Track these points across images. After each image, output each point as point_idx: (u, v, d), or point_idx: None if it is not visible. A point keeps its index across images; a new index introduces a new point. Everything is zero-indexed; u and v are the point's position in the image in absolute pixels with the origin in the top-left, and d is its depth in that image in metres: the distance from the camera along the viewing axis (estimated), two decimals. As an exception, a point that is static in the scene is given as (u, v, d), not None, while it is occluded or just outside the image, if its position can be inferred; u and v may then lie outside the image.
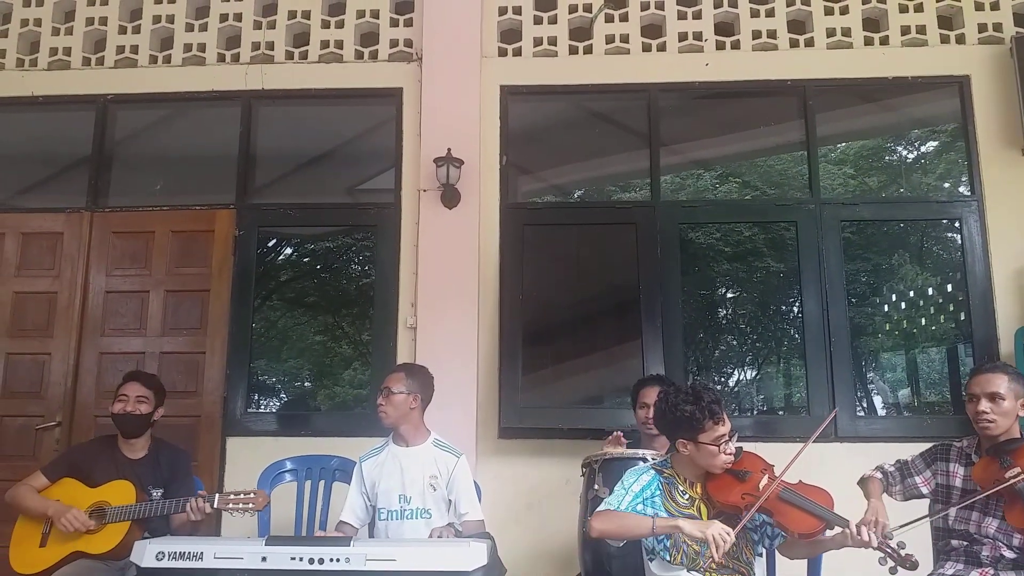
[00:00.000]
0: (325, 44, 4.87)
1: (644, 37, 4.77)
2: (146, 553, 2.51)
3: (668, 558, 2.58)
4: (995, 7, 4.64)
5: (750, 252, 7.72)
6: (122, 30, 4.97)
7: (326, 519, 3.73)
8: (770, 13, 4.74)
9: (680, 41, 4.74)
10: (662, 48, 4.75)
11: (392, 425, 3.31)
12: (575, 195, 5.66)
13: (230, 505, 3.14)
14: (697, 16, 4.76)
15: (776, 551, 2.82)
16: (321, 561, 2.45)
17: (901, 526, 2.70)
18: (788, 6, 4.74)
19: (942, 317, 6.69)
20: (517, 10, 4.83)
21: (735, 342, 9.03)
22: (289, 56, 4.88)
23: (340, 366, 9.67)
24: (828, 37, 4.69)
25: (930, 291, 6.84)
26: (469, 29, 4.73)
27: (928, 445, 3.07)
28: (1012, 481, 2.64)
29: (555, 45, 4.77)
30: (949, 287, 6.10)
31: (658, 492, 2.65)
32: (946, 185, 5.89)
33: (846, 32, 4.69)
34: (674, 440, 2.67)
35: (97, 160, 4.88)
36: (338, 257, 9.10)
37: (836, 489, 2.63)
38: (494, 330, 4.43)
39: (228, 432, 4.47)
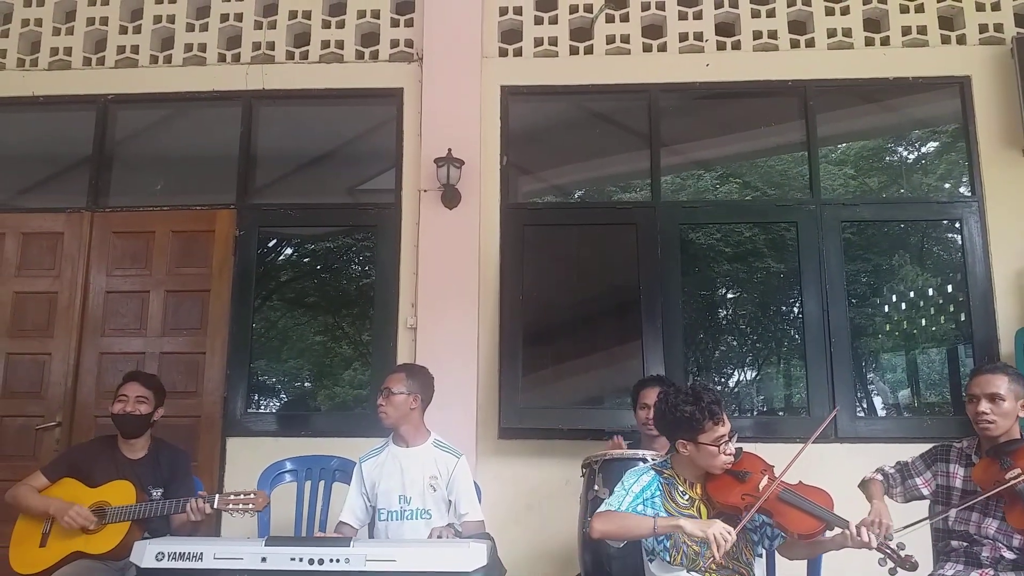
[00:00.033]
0: (326, 44, 4.87)
1: (645, 37, 4.77)
2: (146, 553, 2.51)
3: (668, 559, 2.58)
4: (996, 8, 4.64)
5: (750, 253, 7.72)
6: (123, 30, 4.97)
7: (326, 519, 3.73)
8: (771, 13, 4.74)
9: (681, 41, 4.73)
10: (663, 48, 4.75)
11: (392, 425, 3.31)
12: (575, 195, 5.66)
13: (230, 505, 3.13)
14: (698, 16, 4.76)
15: (776, 552, 2.82)
16: (321, 562, 2.45)
17: (904, 527, 2.70)
18: (789, 7, 4.73)
19: (942, 318, 6.69)
20: (518, 10, 4.83)
21: (735, 343, 9.03)
22: (290, 56, 4.88)
23: (340, 366, 9.67)
24: (829, 37, 4.69)
25: (930, 292, 6.84)
26: (470, 29, 4.73)
27: (928, 446, 3.07)
28: (1012, 482, 2.63)
29: (556, 45, 4.77)
30: (949, 288, 6.10)
31: (658, 493, 2.65)
32: (947, 186, 5.90)
33: (847, 32, 4.68)
34: (674, 441, 2.67)
35: (98, 160, 4.88)
36: (338, 257, 9.10)
37: (836, 490, 2.63)
38: (494, 330, 4.42)
39: (228, 432, 4.46)
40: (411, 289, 4.49)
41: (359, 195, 5.12)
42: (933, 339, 7.46)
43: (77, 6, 5.03)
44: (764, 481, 2.59)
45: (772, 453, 2.76)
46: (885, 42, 4.67)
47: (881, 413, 8.25)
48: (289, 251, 8.70)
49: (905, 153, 7.24)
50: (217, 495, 3.17)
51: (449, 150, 4.43)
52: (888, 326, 7.46)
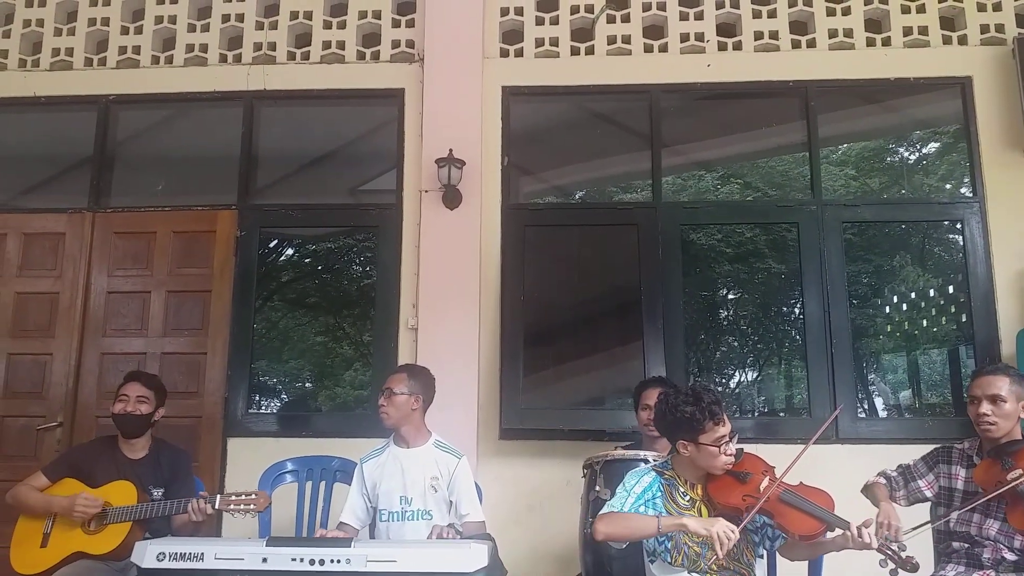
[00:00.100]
0: (327, 45, 4.87)
1: (646, 38, 4.77)
2: (147, 554, 2.51)
3: (669, 559, 2.58)
4: (997, 8, 4.64)
5: (751, 253, 7.71)
6: (124, 31, 4.98)
7: (327, 520, 3.72)
8: (772, 14, 4.74)
9: (682, 42, 4.73)
10: (664, 49, 4.75)
11: (393, 426, 3.31)
12: (576, 196, 5.66)
13: (231, 506, 3.14)
14: (699, 17, 4.76)
15: (777, 553, 2.82)
16: (322, 562, 2.45)
17: (912, 529, 2.71)
18: (790, 7, 4.73)
19: (943, 319, 6.68)
20: (519, 11, 4.83)
21: (736, 343, 9.02)
22: (291, 57, 4.88)
23: (341, 367, 9.66)
24: (830, 38, 4.69)
25: (931, 293, 6.83)
26: (471, 30, 4.73)
27: (929, 447, 3.08)
28: (1014, 483, 2.63)
29: (557, 46, 4.78)
30: (951, 289, 6.08)
31: (659, 493, 2.65)
32: (948, 186, 5.89)
33: (848, 33, 4.68)
34: (674, 441, 2.67)
35: (99, 160, 4.88)
36: (339, 258, 9.10)
37: (837, 491, 2.63)
38: (495, 331, 4.42)
39: (229, 433, 4.47)
40: (412, 290, 4.49)
41: (360, 196, 5.12)
42: (934, 340, 7.45)
43: (78, 7, 5.03)
44: (765, 482, 2.59)
45: (773, 454, 2.75)
46: (886, 42, 4.67)
47: (882, 414, 8.24)
48: (290, 251, 8.69)
49: (906, 154, 7.23)
50: (218, 495, 3.17)
51: (450, 150, 4.43)
52: (889, 327, 7.45)
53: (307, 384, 9.96)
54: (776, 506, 2.55)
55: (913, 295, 7.11)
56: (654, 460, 2.99)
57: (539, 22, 4.82)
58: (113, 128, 4.96)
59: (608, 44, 4.76)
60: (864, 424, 4.42)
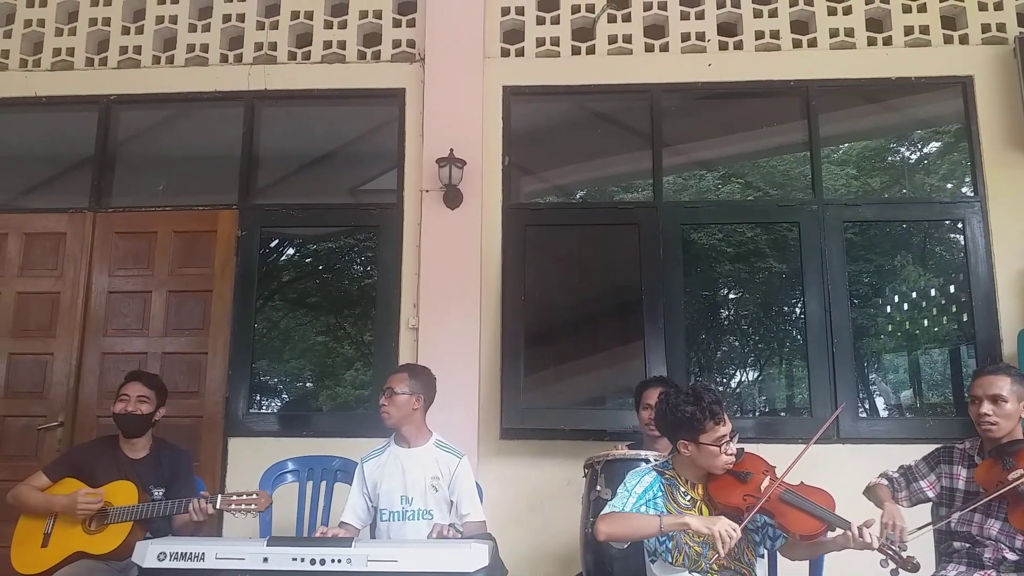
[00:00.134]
0: (328, 44, 4.87)
1: (647, 37, 4.77)
2: (148, 553, 2.51)
3: (670, 560, 2.58)
4: (998, 7, 4.64)
5: (752, 253, 7.71)
6: (125, 31, 4.98)
7: (327, 520, 3.72)
8: (773, 13, 4.73)
9: (683, 41, 4.73)
10: (665, 48, 4.74)
11: (394, 426, 3.31)
12: (577, 196, 5.65)
13: (232, 506, 3.14)
14: (700, 16, 4.76)
15: (777, 552, 2.82)
16: (323, 562, 2.45)
17: (917, 529, 2.71)
18: (791, 6, 4.73)
19: (945, 318, 6.68)
20: (519, 10, 4.83)
21: (737, 343, 9.02)
22: (292, 56, 4.88)
23: (342, 367, 9.67)
24: (831, 37, 4.69)
25: (933, 292, 6.83)
26: (471, 29, 4.73)
27: (931, 447, 3.08)
28: (1015, 483, 2.63)
29: (558, 45, 4.77)
30: (952, 288, 6.09)
31: (660, 493, 2.65)
32: (949, 186, 5.89)
33: (849, 32, 4.68)
34: (675, 441, 2.67)
35: (100, 160, 4.89)
36: (340, 258, 9.10)
37: (838, 491, 2.63)
38: (496, 331, 4.42)
39: (230, 432, 4.47)
40: (413, 289, 4.49)
41: (361, 195, 5.12)
42: (935, 340, 7.45)
43: (79, 7, 5.04)
44: (766, 482, 2.59)
45: (774, 454, 2.75)
46: (887, 42, 4.66)
47: (883, 414, 8.24)
48: (291, 251, 8.70)
49: (907, 153, 7.23)
50: (220, 495, 3.17)
51: (451, 150, 4.43)
52: (890, 327, 7.45)
53: (308, 384, 9.97)
54: (777, 506, 2.55)
55: (914, 295, 7.11)
56: (655, 460, 2.99)
57: (540, 22, 4.82)
58: (114, 128, 4.97)
59: (609, 44, 4.76)
60: (865, 424, 4.42)
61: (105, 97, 4.92)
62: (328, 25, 4.90)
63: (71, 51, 4.97)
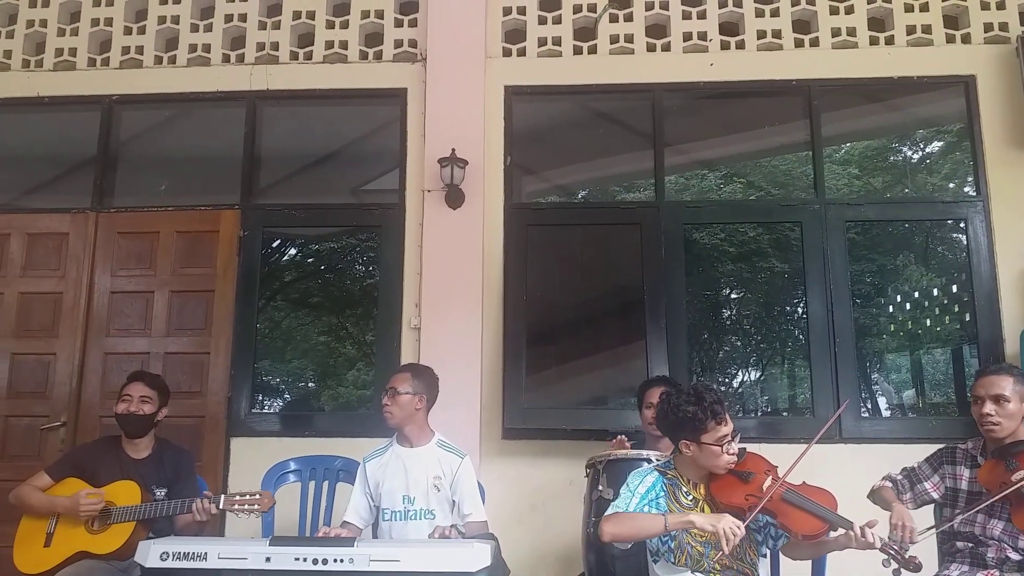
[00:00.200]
0: (330, 44, 4.88)
1: (648, 37, 4.77)
2: (150, 553, 2.51)
3: (672, 560, 2.58)
4: (1001, 7, 4.63)
5: (754, 252, 7.71)
6: (127, 31, 4.99)
7: (330, 519, 3.73)
8: (775, 13, 4.73)
9: (685, 41, 4.73)
10: (666, 48, 4.74)
11: (397, 425, 3.31)
12: (579, 195, 5.65)
13: (235, 506, 3.14)
14: (702, 16, 4.75)
15: (780, 552, 2.82)
16: (325, 562, 2.45)
17: (926, 529, 2.72)
18: (793, 6, 4.73)
19: (947, 318, 6.67)
20: (521, 10, 4.83)
21: (739, 343, 9.02)
22: (294, 56, 4.88)
23: (344, 367, 9.68)
24: (833, 37, 4.68)
25: (935, 292, 6.82)
26: (473, 29, 4.73)
27: (933, 447, 3.08)
28: (1019, 484, 2.63)
29: (559, 45, 4.77)
30: (954, 288, 6.08)
31: (662, 493, 2.65)
32: (951, 185, 5.88)
33: (851, 32, 4.67)
34: (677, 441, 2.67)
35: (102, 161, 4.89)
36: (342, 257, 9.11)
37: (840, 491, 2.63)
38: (498, 331, 4.43)
39: (232, 432, 4.47)
40: (415, 289, 4.49)
41: (363, 195, 5.12)
42: (938, 339, 7.44)
43: (82, 7, 5.04)
44: (768, 481, 2.59)
45: (776, 453, 2.75)
46: (889, 41, 4.66)
47: (886, 414, 8.23)
48: (293, 251, 8.70)
49: (909, 153, 7.22)
50: (223, 495, 3.18)
51: (453, 150, 4.43)
52: (893, 326, 7.44)
53: (310, 384, 9.97)
54: (779, 505, 2.55)
55: (916, 294, 7.10)
56: (657, 459, 2.99)
57: (541, 21, 4.82)
58: (116, 128, 4.97)
59: (611, 43, 4.76)
60: (867, 424, 4.41)
61: (107, 97, 4.93)
62: (330, 25, 4.90)
63: (73, 51, 4.98)
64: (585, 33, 4.81)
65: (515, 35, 4.84)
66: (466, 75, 4.67)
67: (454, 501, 3.25)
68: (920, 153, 7.12)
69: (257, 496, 3.16)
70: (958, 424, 4.23)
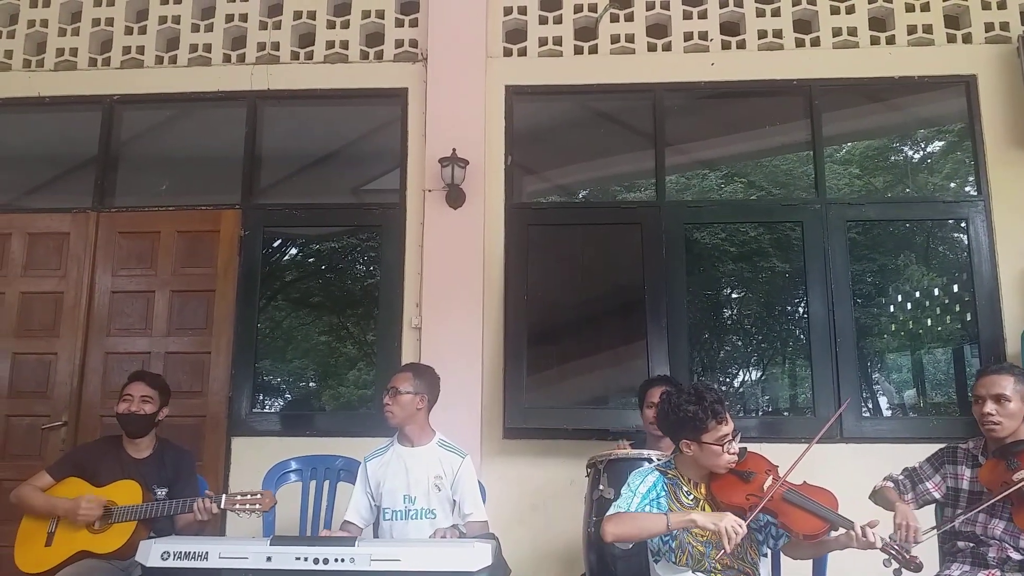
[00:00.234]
0: (330, 44, 4.88)
1: (649, 37, 4.77)
2: (151, 553, 2.51)
3: (673, 559, 2.58)
4: (1002, 6, 4.63)
5: (755, 252, 7.71)
6: (128, 31, 4.99)
7: (331, 519, 3.73)
8: (776, 13, 4.73)
9: (685, 41, 4.73)
10: (667, 48, 4.74)
11: (398, 425, 3.31)
12: (580, 195, 5.66)
13: (237, 506, 3.14)
14: (703, 16, 4.75)
15: (781, 552, 2.82)
16: (326, 561, 2.45)
17: (930, 529, 2.72)
18: (794, 5, 4.72)
19: (948, 318, 6.67)
20: (522, 10, 4.83)
21: (740, 342, 9.02)
22: (295, 56, 4.88)
23: (345, 366, 9.69)
24: (834, 36, 4.68)
25: (936, 292, 6.82)
26: (474, 29, 4.73)
27: (934, 447, 3.07)
28: (1021, 483, 2.62)
29: (560, 45, 4.77)
30: (955, 288, 6.09)
31: (663, 493, 2.65)
32: (952, 185, 5.88)
33: (852, 31, 4.67)
34: (677, 441, 2.67)
35: (103, 160, 4.89)
36: (343, 257, 9.12)
37: (841, 490, 2.63)
38: (499, 330, 4.42)
39: (233, 432, 4.48)
40: (416, 289, 4.49)
41: (364, 195, 5.12)
42: (939, 339, 7.44)
43: (83, 7, 5.04)
44: (768, 481, 2.59)
45: (777, 453, 2.75)
46: (890, 41, 4.65)
47: (887, 413, 8.24)
48: (294, 251, 8.72)
49: (910, 152, 7.23)
50: (224, 495, 3.17)
51: (453, 150, 4.43)
52: (894, 326, 7.45)
53: (311, 383, 9.98)
54: (780, 505, 2.55)
55: (917, 294, 7.11)
56: (658, 459, 2.99)
57: (542, 21, 4.82)
58: (117, 128, 4.97)
59: (611, 43, 4.76)
60: (868, 423, 4.41)
61: (108, 97, 4.93)
62: (331, 25, 4.90)
63: (74, 51, 4.98)
64: (586, 33, 4.81)
65: (516, 35, 4.84)
66: (467, 75, 4.67)
67: (455, 501, 3.25)
68: (921, 153, 7.12)
69: (258, 496, 3.15)
70: (959, 424, 4.23)
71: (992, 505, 2.73)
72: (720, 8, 4.74)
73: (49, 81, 4.96)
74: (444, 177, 4.44)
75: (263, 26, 4.92)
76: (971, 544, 2.81)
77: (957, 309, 6.20)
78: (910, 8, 4.68)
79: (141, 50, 4.94)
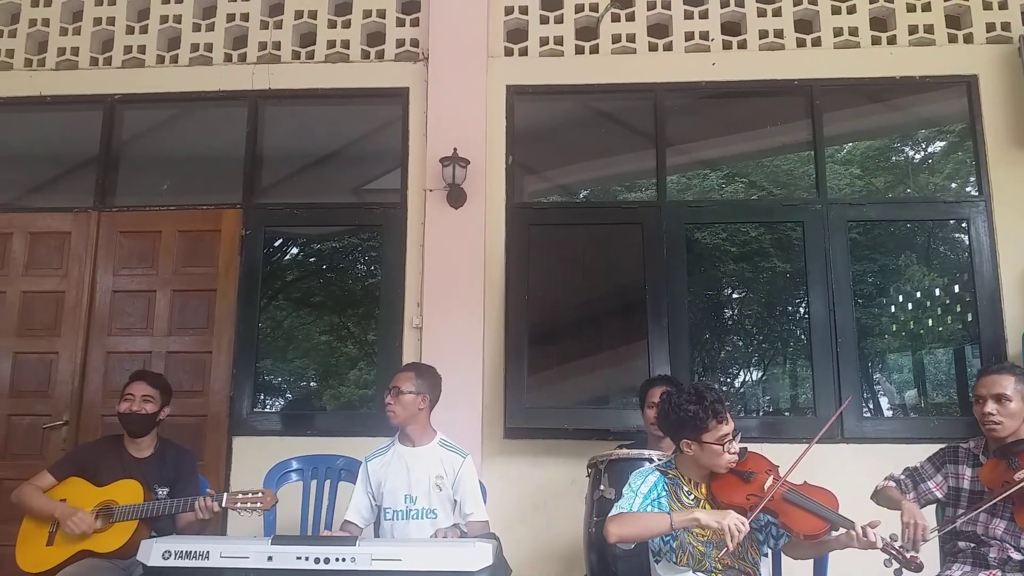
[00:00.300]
0: (332, 44, 4.88)
1: (650, 37, 4.77)
2: (152, 552, 2.51)
3: (674, 560, 2.58)
4: (1003, 6, 4.62)
5: (756, 252, 7.71)
6: (129, 30, 4.99)
7: (332, 519, 3.73)
8: (777, 12, 4.73)
9: (687, 41, 4.73)
10: (668, 48, 4.74)
11: (400, 424, 3.31)
12: (581, 195, 5.66)
13: (238, 504, 3.14)
14: (704, 16, 4.75)
15: (781, 552, 2.82)
16: (327, 561, 2.46)
17: (935, 528, 2.72)
18: (795, 5, 4.72)
19: (949, 318, 6.67)
20: (523, 10, 4.83)
21: (741, 343, 9.02)
22: (296, 56, 4.89)
23: (346, 366, 9.69)
24: (835, 36, 4.67)
25: (937, 292, 6.82)
26: (475, 29, 4.73)
27: (935, 447, 3.07)
28: (1022, 483, 2.62)
29: (561, 45, 4.77)
30: (956, 288, 6.08)
31: (664, 493, 2.65)
32: (953, 185, 5.88)
33: (853, 31, 4.67)
34: (678, 441, 2.67)
35: (104, 160, 4.90)
36: (344, 257, 9.12)
37: (842, 490, 2.63)
38: (500, 330, 4.43)
39: (234, 431, 4.48)
40: (417, 289, 4.49)
41: (365, 195, 5.12)
42: (940, 339, 7.44)
43: (84, 6, 5.05)
44: (769, 481, 2.59)
45: (778, 453, 2.75)
46: (892, 41, 4.65)
47: (888, 414, 8.23)
48: (295, 251, 8.71)
49: (912, 153, 7.22)
50: (225, 493, 3.17)
51: (454, 149, 4.43)
52: (895, 326, 7.44)
53: (312, 383, 9.98)
54: (780, 505, 2.55)
55: (918, 294, 7.11)
56: (659, 459, 2.99)
57: (543, 21, 4.82)
58: (118, 127, 4.98)
59: (612, 43, 4.76)
60: (869, 424, 4.41)
61: (109, 96, 4.93)
62: (332, 24, 4.90)
63: (75, 51, 4.98)
64: (587, 33, 4.81)
65: (517, 35, 4.84)
66: (468, 74, 4.67)
67: (456, 500, 3.25)
68: (922, 153, 7.11)
69: (260, 494, 3.16)
70: (960, 424, 4.23)
71: (993, 505, 2.73)
72: (721, 8, 4.74)
73: (50, 80, 4.96)
74: (445, 177, 4.44)
75: (264, 25, 4.92)
76: (972, 544, 2.81)
77: (958, 309, 6.20)
78: (911, 8, 4.68)
79: (142, 49, 4.95)
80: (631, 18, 4.79)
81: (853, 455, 4.09)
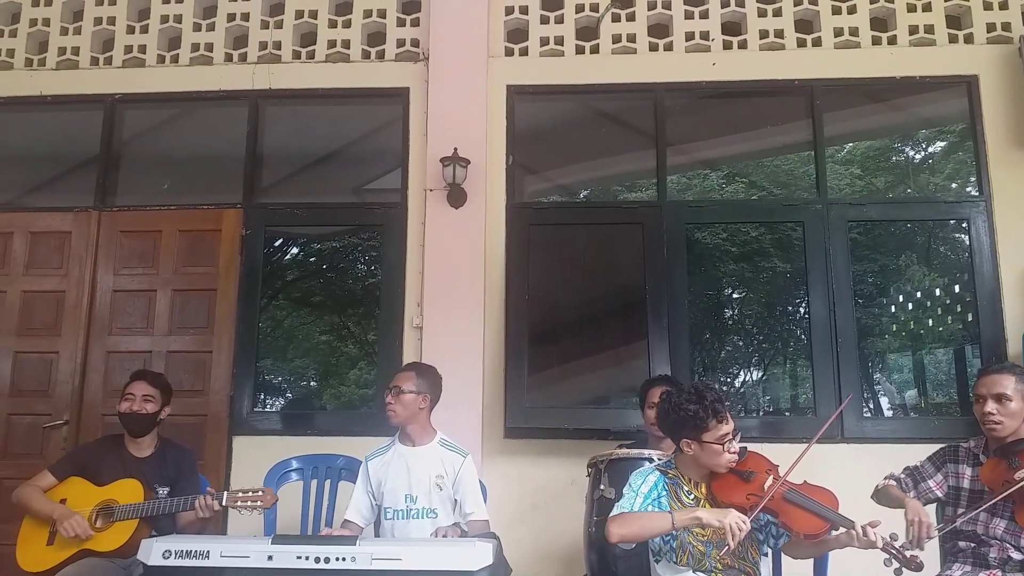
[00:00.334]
0: (332, 44, 4.88)
1: (651, 37, 4.77)
2: (153, 551, 2.52)
3: (674, 559, 2.58)
4: (1004, 7, 4.63)
5: (757, 252, 7.71)
6: (130, 30, 4.99)
7: (332, 518, 3.73)
8: (777, 12, 4.73)
9: (687, 41, 4.73)
10: (669, 48, 4.74)
11: (400, 424, 3.31)
12: (581, 195, 5.66)
13: (238, 503, 3.14)
14: (704, 16, 4.75)
15: (781, 551, 2.82)
16: (327, 560, 2.46)
17: (939, 526, 2.72)
18: (795, 5, 4.72)
19: (949, 318, 6.67)
20: (523, 10, 4.83)
21: (741, 342, 9.02)
22: (296, 56, 4.89)
23: (346, 366, 9.69)
24: (836, 37, 4.68)
25: (937, 292, 6.82)
26: (475, 29, 4.73)
27: (935, 447, 3.07)
28: (1022, 482, 2.63)
29: (561, 45, 4.77)
30: (956, 288, 6.08)
31: (664, 492, 2.65)
32: (954, 185, 5.88)
33: (854, 32, 4.67)
34: (678, 440, 2.67)
35: (105, 159, 4.90)
36: (344, 257, 9.12)
37: (842, 490, 2.63)
38: (500, 330, 4.43)
39: (234, 431, 4.48)
40: (417, 288, 4.50)
41: (365, 195, 5.12)
42: (940, 339, 7.44)
43: (85, 6, 5.05)
44: (769, 481, 2.59)
45: (778, 453, 2.75)
46: (892, 41, 4.65)
47: (888, 413, 8.23)
48: (295, 250, 8.72)
49: (912, 153, 7.22)
50: (226, 492, 3.17)
51: (455, 149, 4.43)
52: (895, 326, 7.44)
53: (312, 383, 9.98)
54: (780, 505, 2.55)
55: (919, 294, 7.11)
56: (659, 459, 2.99)
57: (544, 21, 4.82)
58: (119, 127, 4.98)
59: (613, 43, 4.76)
60: (869, 423, 4.41)
61: (110, 96, 4.94)
62: (332, 24, 4.90)
63: (76, 50, 4.98)
64: (587, 33, 4.81)
65: (517, 35, 4.84)
66: (468, 74, 4.67)
67: (456, 500, 3.25)
68: (922, 153, 7.11)
69: (260, 492, 3.15)
70: (960, 424, 4.23)
71: (993, 504, 2.73)
72: (721, 8, 4.74)
73: (51, 80, 4.97)
74: (445, 177, 4.44)
75: (265, 25, 4.92)
76: (972, 544, 2.81)
77: (958, 309, 6.20)
78: (912, 8, 4.68)
79: (143, 49, 4.95)
80: (631, 18, 4.79)
81: (853, 455, 4.09)
